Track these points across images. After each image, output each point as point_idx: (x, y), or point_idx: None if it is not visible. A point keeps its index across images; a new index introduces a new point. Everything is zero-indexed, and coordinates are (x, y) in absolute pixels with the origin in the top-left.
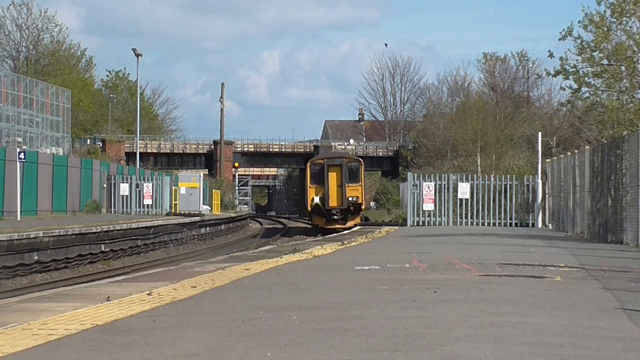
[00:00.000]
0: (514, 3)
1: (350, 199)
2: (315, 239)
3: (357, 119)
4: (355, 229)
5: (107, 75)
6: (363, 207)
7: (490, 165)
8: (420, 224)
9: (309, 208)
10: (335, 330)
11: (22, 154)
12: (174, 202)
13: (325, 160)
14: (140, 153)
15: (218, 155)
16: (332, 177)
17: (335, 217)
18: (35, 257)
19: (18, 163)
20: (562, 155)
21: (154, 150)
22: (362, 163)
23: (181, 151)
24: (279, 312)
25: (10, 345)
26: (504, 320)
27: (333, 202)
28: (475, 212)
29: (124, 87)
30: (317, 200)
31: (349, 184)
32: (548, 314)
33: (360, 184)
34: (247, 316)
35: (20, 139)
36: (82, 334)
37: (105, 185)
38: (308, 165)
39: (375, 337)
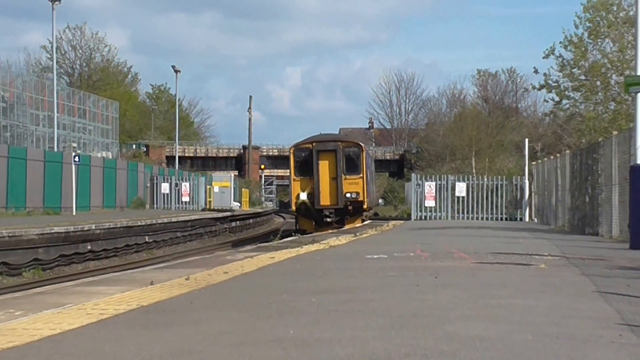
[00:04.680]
0: (505, 26)
1: (348, 195)
2: (331, 231)
3: (368, 127)
4: (366, 222)
5: (151, 89)
6: (365, 205)
7: (484, 167)
8: (423, 219)
9: (294, 207)
10: (349, 311)
11: (77, 157)
12: (208, 199)
13: (314, 144)
14: (178, 157)
15: (246, 159)
16: (324, 167)
17: (329, 219)
18: (89, 247)
19: (73, 165)
20: (546, 159)
21: (191, 154)
22: (364, 149)
23: (214, 155)
24: (300, 296)
25: (67, 323)
26: (495, 302)
27: (325, 199)
28: (470, 208)
29: (165, 99)
30: (303, 197)
31: (347, 176)
32: (534, 297)
33: (361, 175)
34: (272, 299)
35: (75, 145)
36: (129, 313)
37: (148, 185)
38: (291, 150)
39: (384, 317)
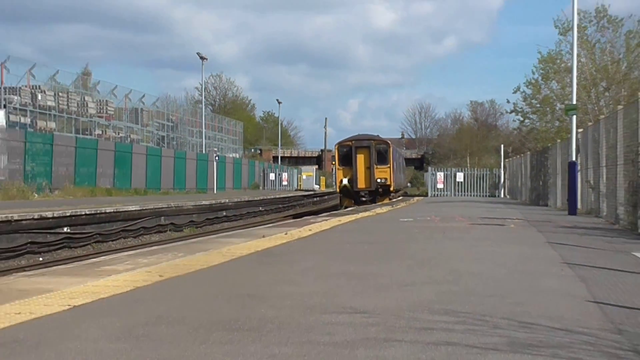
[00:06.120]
0: (489, 72)
1: (378, 180)
2: (376, 204)
3: (400, 137)
4: (399, 198)
5: (263, 114)
6: (392, 188)
7: (475, 163)
8: (435, 196)
9: (338, 190)
10: (388, 256)
11: (217, 157)
12: (299, 183)
13: (353, 142)
14: (280, 157)
15: (323, 157)
16: (360, 159)
17: (364, 198)
18: (224, 213)
19: (214, 162)
20: (515, 157)
21: (288, 155)
22: (391, 145)
23: (303, 155)
24: (357, 245)
25: (211, 261)
26: (482, 250)
27: (361, 183)
28: (466, 189)
29: (272, 120)
30: (345, 182)
31: (378, 166)
32: (507, 246)
33: (388, 165)
34: (339, 247)
35: (216, 149)
36: (249, 255)
37: (261, 174)
38: (336, 147)
39: (410, 259)
